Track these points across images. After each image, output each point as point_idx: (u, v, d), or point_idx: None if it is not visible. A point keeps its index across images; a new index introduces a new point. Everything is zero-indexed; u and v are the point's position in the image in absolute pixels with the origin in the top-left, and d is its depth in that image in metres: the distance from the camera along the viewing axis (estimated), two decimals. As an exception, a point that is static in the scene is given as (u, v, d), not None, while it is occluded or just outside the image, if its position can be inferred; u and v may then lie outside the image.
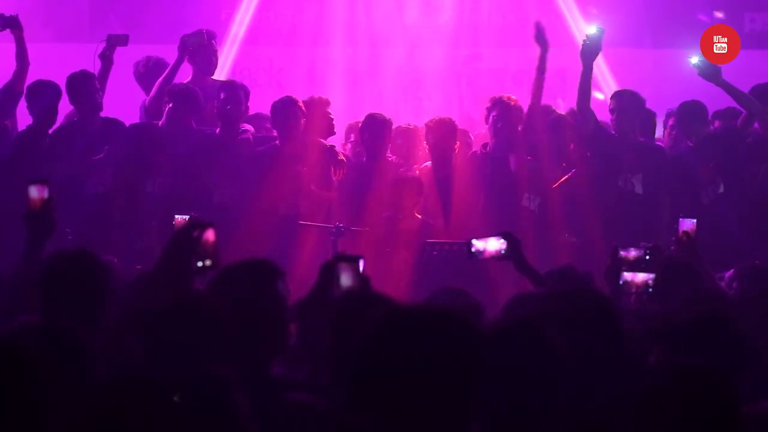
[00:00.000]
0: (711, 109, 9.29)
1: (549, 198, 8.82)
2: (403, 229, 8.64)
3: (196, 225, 4.31)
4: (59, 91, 8.88)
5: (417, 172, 9.11)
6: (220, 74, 9.98)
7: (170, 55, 9.51)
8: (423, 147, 9.28)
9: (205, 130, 9.13)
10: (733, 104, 9.23)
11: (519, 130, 8.99)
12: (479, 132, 10.16)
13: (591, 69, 8.71)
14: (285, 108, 8.96)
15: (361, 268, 4.45)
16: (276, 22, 12.60)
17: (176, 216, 7.62)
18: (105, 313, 4.80)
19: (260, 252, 7.10)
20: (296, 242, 8.48)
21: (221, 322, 3.85)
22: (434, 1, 12.49)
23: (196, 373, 3.37)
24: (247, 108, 9.32)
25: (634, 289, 5.69)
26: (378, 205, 8.72)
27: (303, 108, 9.00)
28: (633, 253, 5.89)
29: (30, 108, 8.90)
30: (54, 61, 10.30)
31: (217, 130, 9.11)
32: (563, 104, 10.13)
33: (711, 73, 8.72)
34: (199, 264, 4.25)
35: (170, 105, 8.95)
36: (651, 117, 9.42)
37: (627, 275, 5.68)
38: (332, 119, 9.30)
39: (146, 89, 9.56)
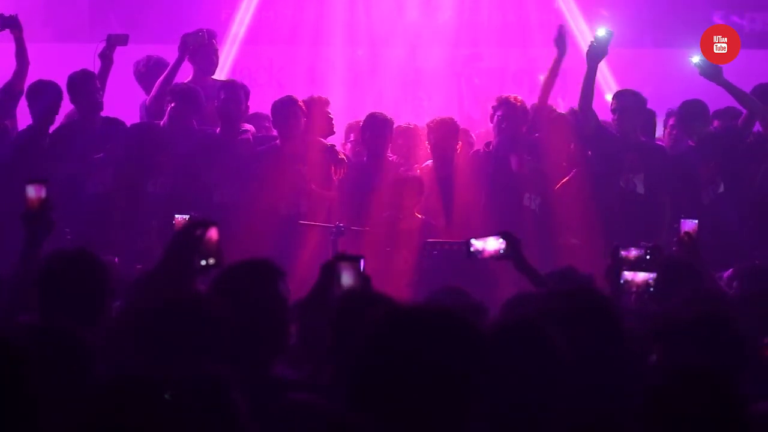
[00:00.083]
0: (711, 109, 9.28)
1: (550, 198, 8.82)
2: (403, 228, 8.64)
3: (199, 223, 4.31)
4: (60, 91, 8.88)
5: (418, 171, 9.11)
6: (221, 74, 9.97)
7: (170, 54, 9.51)
8: (423, 146, 9.28)
9: (205, 129, 9.13)
10: (732, 104, 9.23)
11: (523, 130, 8.99)
12: (480, 131, 10.16)
13: (595, 70, 8.74)
14: (285, 107, 8.96)
15: (361, 268, 4.45)
16: (276, 22, 12.60)
17: (176, 216, 7.62)
18: (104, 313, 4.80)
19: (260, 252, 7.10)
20: (296, 242, 8.48)
21: (219, 321, 3.85)
22: (434, 0, 12.49)
23: (194, 373, 3.37)
24: (248, 108, 9.32)
25: (634, 289, 5.69)
26: (379, 204, 8.72)
27: (303, 107, 9.00)
28: (633, 253, 5.89)
29: (30, 108, 8.90)
30: (54, 61, 10.29)
31: (218, 130, 9.11)
32: (563, 104, 10.12)
33: (712, 72, 8.72)
34: (203, 263, 4.25)
35: (172, 104, 8.95)
36: (651, 117, 9.42)
37: (627, 274, 5.68)
38: (332, 119, 9.29)
39: (146, 89, 9.55)
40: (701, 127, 9.04)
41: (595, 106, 8.86)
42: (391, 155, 9.18)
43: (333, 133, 9.35)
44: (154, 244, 8.43)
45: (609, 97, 9.46)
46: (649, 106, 9.16)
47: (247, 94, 9.25)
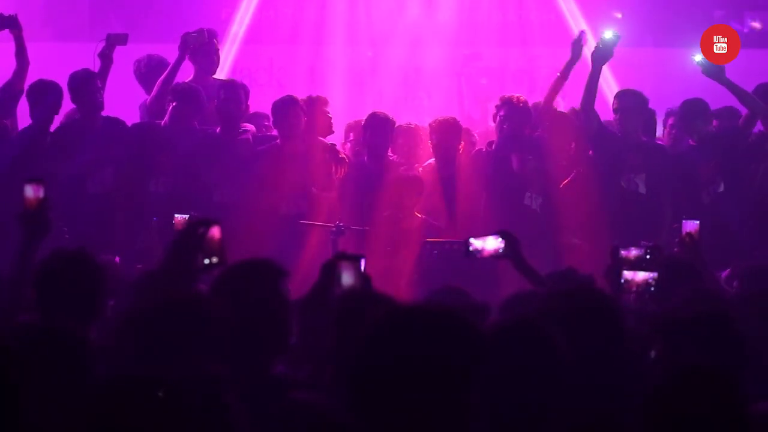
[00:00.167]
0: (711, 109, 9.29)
1: (552, 197, 8.82)
2: (403, 228, 8.64)
3: (202, 222, 4.31)
4: (60, 90, 8.88)
5: (419, 171, 9.11)
6: (221, 73, 9.97)
7: (171, 54, 9.51)
8: (424, 146, 9.27)
9: (206, 129, 9.14)
10: (731, 103, 9.24)
11: (526, 130, 9.00)
12: (481, 130, 10.16)
13: (600, 71, 8.77)
14: (286, 107, 8.96)
15: (362, 268, 4.45)
16: (276, 21, 12.60)
17: (176, 215, 7.63)
18: (102, 313, 4.81)
19: (260, 251, 7.10)
20: (297, 242, 8.48)
21: (220, 321, 3.85)
22: (434, 0, 12.49)
23: (189, 373, 3.37)
24: (248, 107, 9.33)
25: (634, 288, 5.68)
26: (379, 204, 8.72)
27: (304, 107, 9.01)
28: (634, 253, 5.89)
29: (30, 107, 8.90)
30: (54, 61, 10.29)
31: (218, 130, 9.11)
32: (563, 103, 10.12)
33: (714, 71, 8.73)
34: (206, 261, 4.25)
35: (174, 104, 8.95)
36: (652, 116, 9.43)
37: (627, 274, 5.67)
38: (330, 118, 9.30)
39: (147, 89, 9.55)
40: (702, 125, 9.04)
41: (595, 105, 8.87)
42: (391, 155, 9.18)
43: (332, 132, 9.35)
44: (154, 244, 8.43)
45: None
46: (649, 105, 9.17)
47: (247, 93, 9.24)
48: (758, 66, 10.74)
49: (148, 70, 9.60)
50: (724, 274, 6.92)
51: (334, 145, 9.23)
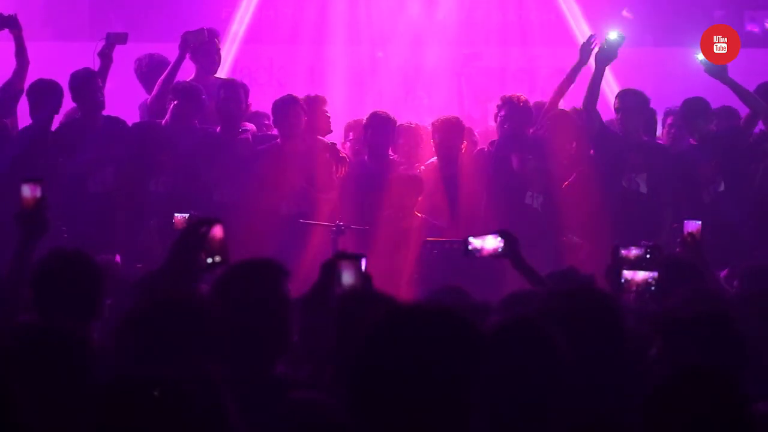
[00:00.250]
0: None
1: (553, 196, 8.83)
2: (403, 227, 8.64)
3: (204, 221, 4.31)
4: (61, 90, 8.88)
5: (420, 170, 9.11)
6: (221, 73, 9.96)
7: (170, 53, 9.51)
8: (425, 145, 9.28)
9: (206, 128, 9.14)
10: (730, 103, 9.24)
11: (527, 130, 9.00)
12: (481, 130, 10.16)
13: (603, 72, 8.79)
14: (286, 106, 8.96)
15: (363, 267, 4.44)
16: (276, 21, 12.60)
17: (176, 214, 7.63)
18: (99, 313, 4.81)
19: (261, 251, 7.10)
20: (297, 241, 8.48)
21: (217, 321, 3.84)
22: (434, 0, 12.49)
23: (188, 373, 3.36)
24: (248, 106, 9.33)
25: (634, 288, 5.68)
26: (381, 203, 8.73)
27: (304, 106, 9.01)
28: (634, 252, 5.88)
29: (31, 106, 8.90)
30: (54, 60, 10.29)
31: (218, 129, 9.11)
32: (563, 103, 10.12)
33: (717, 70, 8.73)
34: (209, 261, 4.25)
35: (175, 102, 8.95)
36: (652, 116, 9.43)
37: (627, 273, 5.66)
38: (329, 117, 9.31)
39: (148, 88, 9.55)
40: (703, 125, 9.04)
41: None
42: (392, 154, 9.18)
43: (331, 131, 9.36)
44: (154, 243, 8.44)
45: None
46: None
47: (246, 92, 9.25)
48: (758, 65, 10.74)
49: (149, 70, 9.60)
50: (723, 273, 6.92)
51: (335, 144, 9.23)
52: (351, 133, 9.70)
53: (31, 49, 9.20)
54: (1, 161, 8.60)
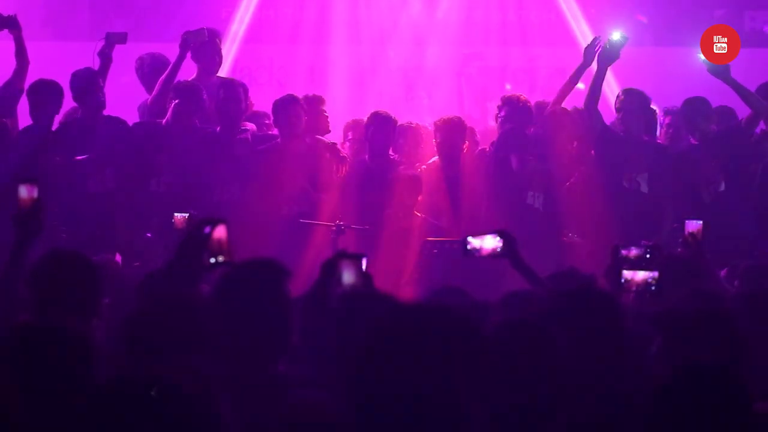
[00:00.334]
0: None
1: (554, 195, 8.83)
2: (403, 227, 8.64)
3: (208, 221, 4.31)
4: (61, 90, 8.88)
5: (422, 169, 9.11)
6: (221, 73, 9.96)
7: (170, 53, 9.51)
8: (425, 145, 9.28)
9: (207, 128, 9.13)
10: (730, 103, 9.24)
11: (528, 130, 9.00)
12: (480, 129, 10.16)
13: (605, 72, 8.82)
14: (286, 106, 8.97)
15: (364, 267, 4.44)
16: (276, 20, 12.59)
17: (176, 214, 7.63)
18: (96, 312, 4.81)
19: (261, 251, 7.10)
20: (298, 241, 8.48)
21: (216, 321, 3.84)
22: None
23: (183, 372, 3.36)
24: (247, 106, 9.33)
25: (634, 288, 5.68)
26: (380, 203, 8.73)
27: (306, 106, 9.01)
28: (633, 252, 5.88)
29: (31, 106, 8.90)
30: (54, 60, 10.29)
31: (218, 129, 9.11)
32: (565, 103, 10.11)
33: (719, 70, 8.74)
34: (212, 260, 4.25)
35: (176, 101, 8.94)
36: (653, 115, 9.43)
37: (627, 273, 5.66)
38: (327, 117, 9.32)
39: (149, 88, 9.55)
40: (704, 124, 9.04)
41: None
42: (392, 154, 9.18)
43: (329, 131, 9.36)
44: (154, 243, 8.44)
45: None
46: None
47: (246, 91, 9.25)
48: (757, 65, 10.74)
49: (151, 70, 9.58)
50: (723, 273, 6.91)
51: (335, 144, 9.23)
52: (350, 133, 9.69)
53: (31, 49, 9.20)
54: (2, 162, 8.60)
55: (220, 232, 4.27)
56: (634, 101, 8.92)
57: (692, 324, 4.32)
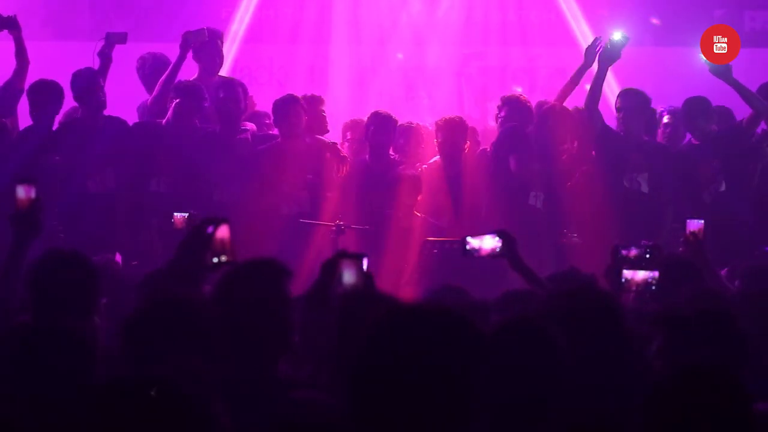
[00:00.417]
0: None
1: (554, 195, 8.83)
2: (402, 227, 8.64)
3: (211, 221, 4.31)
4: (61, 90, 8.89)
5: (423, 169, 9.11)
6: (221, 72, 9.96)
7: (171, 53, 9.51)
8: (426, 145, 9.28)
9: (207, 128, 9.14)
10: (729, 103, 9.24)
11: (528, 129, 9.00)
12: (482, 129, 10.16)
13: (606, 72, 8.82)
14: (287, 106, 8.97)
15: (365, 267, 4.43)
16: (276, 20, 12.59)
17: (175, 214, 7.63)
18: (94, 312, 4.81)
19: (261, 250, 7.10)
20: (297, 241, 8.48)
21: (215, 321, 3.84)
22: (434, -1, 12.50)
23: (172, 372, 3.36)
24: (246, 105, 9.33)
25: (634, 287, 5.68)
26: (380, 203, 8.73)
27: (305, 106, 9.01)
28: (634, 252, 5.88)
29: (31, 106, 8.90)
30: (54, 60, 10.29)
31: (218, 129, 9.11)
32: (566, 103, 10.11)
33: (721, 70, 8.75)
34: (215, 260, 4.25)
35: (177, 100, 8.94)
36: (653, 115, 9.43)
37: (628, 273, 5.66)
38: (325, 117, 9.32)
39: (150, 89, 9.54)
40: (704, 124, 9.05)
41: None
42: (393, 154, 9.18)
43: (327, 131, 9.37)
44: (155, 243, 8.44)
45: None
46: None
47: (245, 91, 9.26)
48: (758, 65, 10.74)
49: (152, 70, 9.57)
50: (723, 273, 6.91)
51: (335, 143, 9.23)
52: (349, 133, 9.69)
53: (31, 49, 9.20)
54: (2, 162, 8.59)
55: (223, 231, 4.27)
56: (633, 101, 8.92)
57: (693, 323, 4.32)
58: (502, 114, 9.10)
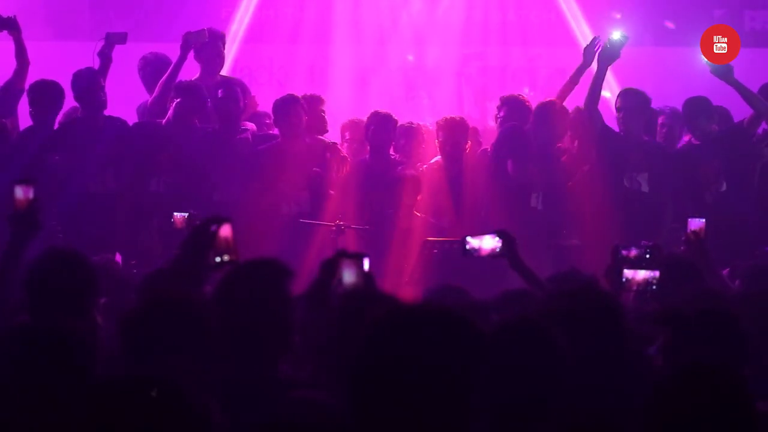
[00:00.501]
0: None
1: (554, 195, 8.83)
2: (402, 227, 8.64)
3: (213, 220, 4.31)
4: (62, 90, 8.89)
5: (423, 169, 9.11)
6: (222, 73, 9.96)
7: (171, 53, 9.51)
8: (426, 145, 9.28)
9: (206, 127, 9.14)
10: (729, 104, 9.24)
11: (526, 128, 9.00)
12: (483, 129, 10.16)
13: (605, 72, 8.81)
14: (287, 106, 8.97)
15: (366, 267, 4.43)
16: (276, 20, 12.59)
17: (175, 213, 7.63)
18: (91, 312, 4.81)
19: (261, 250, 7.10)
20: (297, 241, 8.48)
21: (214, 321, 3.84)
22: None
23: (177, 373, 3.36)
24: (246, 104, 9.33)
25: (635, 287, 5.68)
26: (381, 203, 8.73)
27: (305, 106, 9.01)
28: (634, 252, 5.88)
29: (31, 106, 8.90)
30: (54, 60, 10.29)
31: (217, 128, 9.11)
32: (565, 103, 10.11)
33: (723, 71, 8.75)
34: (217, 259, 4.25)
35: (178, 100, 8.94)
36: (653, 115, 9.43)
37: (628, 273, 5.65)
38: (324, 117, 9.32)
39: (150, 89, 9.54)
40: (705, 124, 9.05)
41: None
42: (393, 153, 9.18)
43: (326, 131, 9.37)
44: (154, 244, 8.44)
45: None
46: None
47: (244, 90, 9.27)
48: (758, 65, 10.74)
49: (154, 70, 9.56)
50: (724, 273, 6.91)
51: (336, 143, 9.23)
52: (347, 133, 9.68)
53: (32, 49, 9.20)
54: (3, 163, 8.59)
55: (226, 230, 4.28)
56: (633, 101, 8.92)
57: (694, 323, 4.32)
58: (501, 114, 9.11)
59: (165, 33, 11.18)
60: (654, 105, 9.42)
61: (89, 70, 8.97)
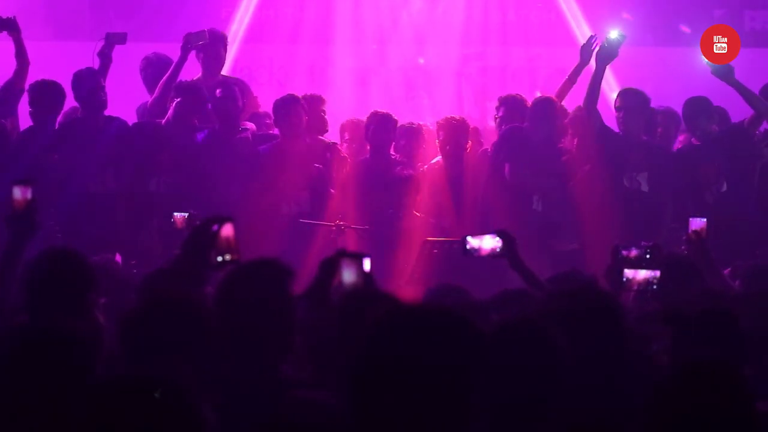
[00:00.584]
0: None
1: (552, 194, 8.83)
2: (402, 227, 8.64)
3: (215, 219, 4.31)
4: (62, 90, 8.89)
5: (424, 169, 9.11)
6: (222, 73, 9.96)
7: (170, 53, 9.52)
8: (427, 145, 9.28)
9: (206, 127, 9.14)
10: (728, 104, 9.24)
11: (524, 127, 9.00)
12: (483, 129, 10.16)
13: (604, 71, 8.80)
14: (287, 106, 8.97)
15: (367, 267, 4.42)
16: (276, 20, 12.60)
17: (175, 213, 7.63)
18: (89, 312, 4.81)
19: (261, 250, 7.10)
20: (298, 241, 8.48)
21: (214, 321, 3.84)
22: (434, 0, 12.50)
23: (177, 373, 3.36)
24: (245, 103, 9.33)
25: (635, 287, 5.68)
26: (381, 203, 8.73)
27: (305, 106, 9.02)
28: (634, 252, 5.88)
29: (31, 106, 8.90)
30: (54, 60, 10.29)
31: (217, 128, 9.11)
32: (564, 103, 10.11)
33: (724, 71, 8.75)
34: (219, 259, 4.25)
35: (178, 100, 8.95)
36: (653, 115, 9.43)
37: (629, 272, 5.66)
38: (324, 117, 9.33)
39: (151, 89, 9.55)
40: (705, 124, 9.05)
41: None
42: (393, 153, 9.18)
43: (326, 131, 9.37)
44: (155, 243, 8.45)
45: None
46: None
47: (243, 89, 9.27)
48: (758, 65, 10.74)
49: (155, 71, 9.56)
50: (725, 272, 6.91)
51: (336, 143, 9.23)
52: (347, 133, 9.68)
53: (32, 49, 9.20)
54: (3, 163, 8.59)
55: (227, 230, 4.27)
56: (633, 101, 8.91)
57: (695, 323, 4.32)
58: (500, 114, 9.10)
59: (165, 33, 11.18)
60: (656, 106, 9.42)
61: (89, 70, 8.97)
